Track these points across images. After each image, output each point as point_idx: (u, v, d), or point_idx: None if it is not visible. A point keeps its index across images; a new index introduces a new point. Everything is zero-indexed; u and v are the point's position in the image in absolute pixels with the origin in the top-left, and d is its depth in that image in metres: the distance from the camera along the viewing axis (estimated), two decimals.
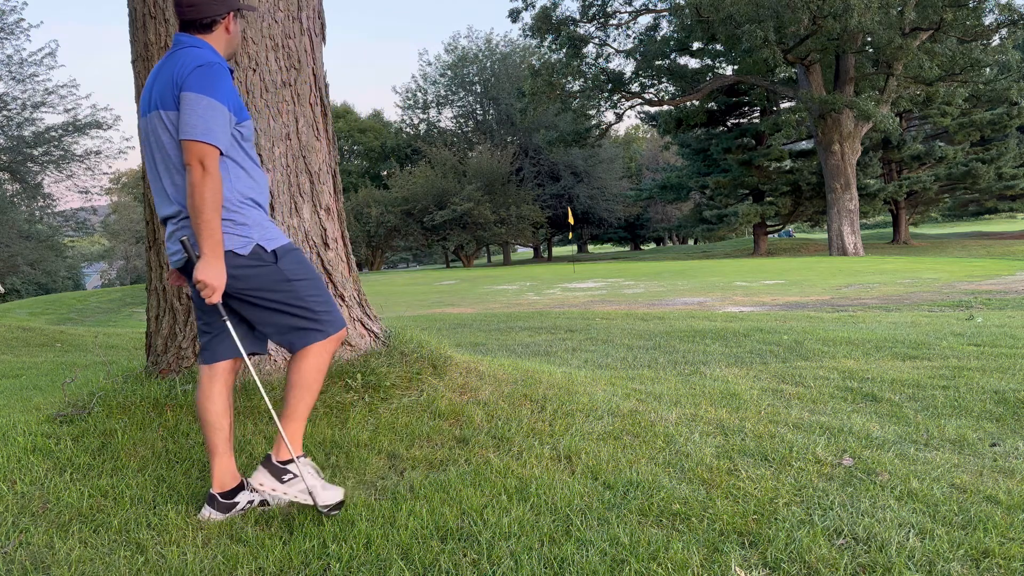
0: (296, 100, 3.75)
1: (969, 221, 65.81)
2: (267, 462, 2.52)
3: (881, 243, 38.92)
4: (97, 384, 3.79)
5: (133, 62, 3.77)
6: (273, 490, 2.48)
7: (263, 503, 2.64)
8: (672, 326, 7.61)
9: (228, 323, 2.45)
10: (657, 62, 36.19)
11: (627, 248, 63.38)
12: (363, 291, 4.14)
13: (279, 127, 3.68)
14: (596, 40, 34.63)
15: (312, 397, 2.57)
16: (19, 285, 37.37)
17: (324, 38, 4.04)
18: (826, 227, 34.62)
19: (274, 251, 2.47)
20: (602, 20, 33.96)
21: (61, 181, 24.00)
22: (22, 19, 22.67)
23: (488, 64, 48.38)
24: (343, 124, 53.25)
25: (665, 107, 38.23)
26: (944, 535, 2.31)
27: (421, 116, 52.44)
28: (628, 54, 36.00)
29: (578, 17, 33.32)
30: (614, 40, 44.06)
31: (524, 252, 67.90)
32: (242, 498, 2.62)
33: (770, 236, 42.41)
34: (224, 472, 2.56)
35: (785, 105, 37.40)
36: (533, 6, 32.74)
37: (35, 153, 23.03)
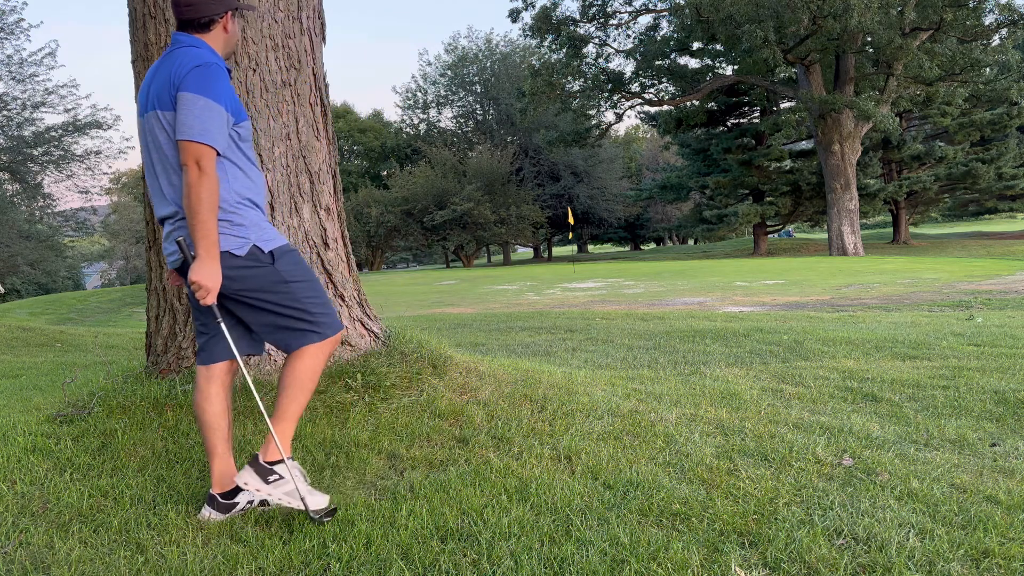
0: (296, 100, 3.75)
1: (969, 221, 65.81)
2: (254, 461, 2.48)
3: (881, 243, 38.92)
4: (97, 384, 3.79)
5: (133, 62, 3.77)
6: (257, 490, 2.43)
7: (263, 503, 2.64)
8: (672, 326, 7.61)
9: (222, 325, 2.44)
10: (657, 62, 36.18)
11: (627, 248, 63.37)
12: (363, 291, 4.14)
13: (279, 127, 3.68)
14: (596, 40, 34.64)
15: (305, 399, 2.55)
16: (19, 285, 37.38)
17: (324, 38, 4.04)
18: (826, 227, 34.62)
19: (271, 252, 2.46)
20: (602, 20, 33.96)
21: (61, 181, 24.01)
22: (22, 19, 22.70)
23: (488, 64, 48.38)
24: (343, 124, 53.25)
25: (665, 107, 38.23)
26: (944, 535, 2.31)
27: (421, 116, 52.48)
28: (628, 54, 36.00)
29: (578, 17, 33.32)
30: (614, 40, 44.09)
31: (524, 252, 67.90)
32: (242, 498, 2.62)
33: (770, 236, 42.41)
34: (224, 472, 2.56)
35: (785, 105, 37.40)
36: (533, 6, 32.74)
37: (35, 153, 23.03)
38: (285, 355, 2.62)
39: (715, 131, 40.14)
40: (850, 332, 6.51)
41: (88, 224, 31.20)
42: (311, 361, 2.54)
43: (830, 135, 30.39)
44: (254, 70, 3.60)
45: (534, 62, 35.14)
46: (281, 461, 2.47)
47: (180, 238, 2.36)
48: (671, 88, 37.54)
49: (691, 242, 60.47)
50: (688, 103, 36.50)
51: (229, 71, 2.45)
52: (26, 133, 22.74)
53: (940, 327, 6.92)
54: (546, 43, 33.97)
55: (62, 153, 23.20)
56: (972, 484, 2.73)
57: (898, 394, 4.17)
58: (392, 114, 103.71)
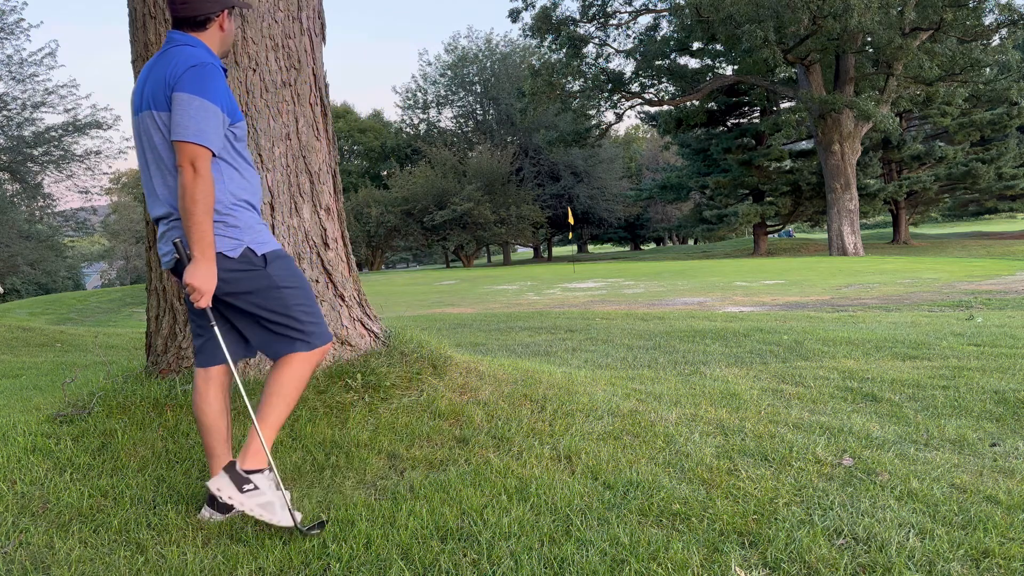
0: (296, 100, 3.75)
1: (969, 221, 65.81)
2: (230, 468, 2.41)
3: (881, 243, 38.92)
4: (97, 384, 3.79)
5: (133, 62, 3.77)
6: (230, 498, 2.35)
7: None
8: (672, 326, 7.61)
9: (216, 328, 2.42)
10: (657, 62, 36.18)
11: (627, 248, 63.37)
12: (363, 291, 4.14)
13: (279, 127, 3.68)
14: (596, 40, 34.64)
15: (287, 408, 2.50)
16: (19, 285, 37.38)
17: (324, 38, 4.04)
18: (826, 227, 34.62)
19: (264, 255, 2.44)
20: (602, 20, 33.96)
21: (61, 181, 23.98)
22: (22, 19, 22.65)
23: (488, 64, 48.38)
24: (343, 124, 53.26)
25: (665, 107, 38.23)
26: (944, 535, 2.31)
27: (421, 116, 52.48)
28: (628, 54, 35.99)
29: (578, 17, 33.32)
30: (614, 40, 44.10)
31: (524, 252, 67.90)
32: None
33: (770, 236, 42.41)
34: None
35: (785, 105, 37.40)
36: (533, 6, 32.74)
37: (35, 153, 23.01)
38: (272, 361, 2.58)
39: (715, 131, 40.14)
40: (850, 332, 6.51)
41: (88, 224, 31.17)
42: (298, 370, 2.50)
43: (830, 135, 30.39)
44: (254, 70, 3.60)
45: (534, 62, 35.13)
46: (260, 471, 2.41)
47: (177, 239, 2.34)
48: (671, 88, 37.54)
49: (691, 242, 60.47)
50: (688, 103, 36.50)
51: (225, 70, 2.43)
52: (26, 133, 22.72)
53: (940, 327, 6.92)
54: (546, 43, 33.97)
55: (62, 153, 23.18)
56: (972, 484, 2.74)
57: (898, 394, 4.17)
58: (392, 114, 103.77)
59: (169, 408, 3.38)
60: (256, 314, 2.46)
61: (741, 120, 40.90)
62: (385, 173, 52.50)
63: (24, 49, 48.47)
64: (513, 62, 47.00)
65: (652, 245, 65.89)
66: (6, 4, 25.89)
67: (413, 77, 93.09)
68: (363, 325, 3.99)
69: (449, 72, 49.73)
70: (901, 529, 2.35)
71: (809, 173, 36.54)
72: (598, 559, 2.18)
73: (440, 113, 51.91)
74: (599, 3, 33.40)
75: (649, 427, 3.42)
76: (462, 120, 51.07)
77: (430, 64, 63.90)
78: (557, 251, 66.34)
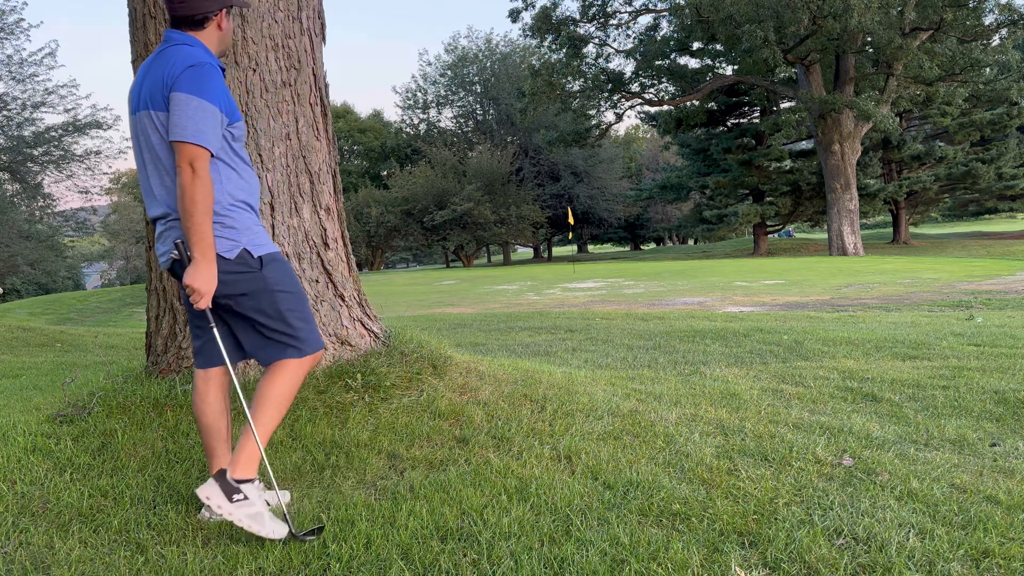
0: (296, 100, 3.75)
1: (969, 221, 65.81)
2: (220, 477, 2.35)
3: (881, 243, 38.92)
4: (97, 384, 3.79)
5: (133, 62, 3.77)
6: (219, 507, 2.30)
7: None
8: (672, 326, 7.61)
9: (215, 330, 2.41)
10: (657, 62, 36.18)
11: (627, 248, 63.38)
12: (363, 291, 4.14)
13: (279, 127, 3.68)
14: (596, 40, 34.64)
15: (279, 416, 2.48)
16: (19, 285, 37.37)
17: (324, 38, 4.04)
18: (826, 227, 34.62)
19: (260, 257, 2.42)
20: (602, 20, 33.96)
21: (61, 181, 23.98)
22: (22, 19, 22.67)
23: (488, 64, 48.38)
24: (343, 124, 53.25)
25: (665, 107, 38.23)
26: (944, 535, 2.31)
27: (421, 116, 52.49)
28: (628, 54, 36.00)
29: (578, 17, 33.32)
30: (614, 40, 44.13)
31: (524, 252, 67.90)
32: None
33: (770, 236, 42.41)
34: None
35: (785, 105, 37.40)
36: (533, 6, 32.74)
37: (35, 153, 23.01)
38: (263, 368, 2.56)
39: (715, 131, 40.14)
40: (850, 332, 6.51)
41: (88, 224, 31.16)
42: (289, 377, 2.47)
43: (830, 135, 30.39)
44: (254, 70, 3.60)
45: (534, 62, 35.13)
46: (250, 480, 2.39)
47: (179, 240, 2.32)
48: (671, 88, 37.54)
49: (691, 242, 60.47)
50: (688, 103, 36.50)
51: (223, 69, 2.42)
52: (26, 133, 22.73)
53: (940, 327, 6.92)
54: (546, 43, 33.97)
55: (62, 153, 23.18)
56: (972, 484, 2.74)
57: (898, 394, 4.17)
58: (392, 114, 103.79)
59: (169, 408, 3.38)
60: (250, 317, 2.44)
61: (741, 120, 40.90)
62: (385, 173, 52.51)
63: (24, 49, 48.48)
64: (513, 62, 47.00)
65: (652, 245, 65.90)
66: (6, 4, 25.91)
67: (413, 77, 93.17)
68: (363, 325, 3.99)
69: (449, 72, 49.73)
70: (901, 529, 2.36)
71: (809, 173, 36.54)
72: (598, 559, 2.18)
73: (440, 113, 51.96)
74: (599, 3, 33.40)
75: (649, 427, 3.42)
76: (462, 120, 51.08)
77: (430, 64, 63.97)
78: (557, 251, 66.35)
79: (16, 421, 3.38)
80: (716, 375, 4.78)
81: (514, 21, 33.72)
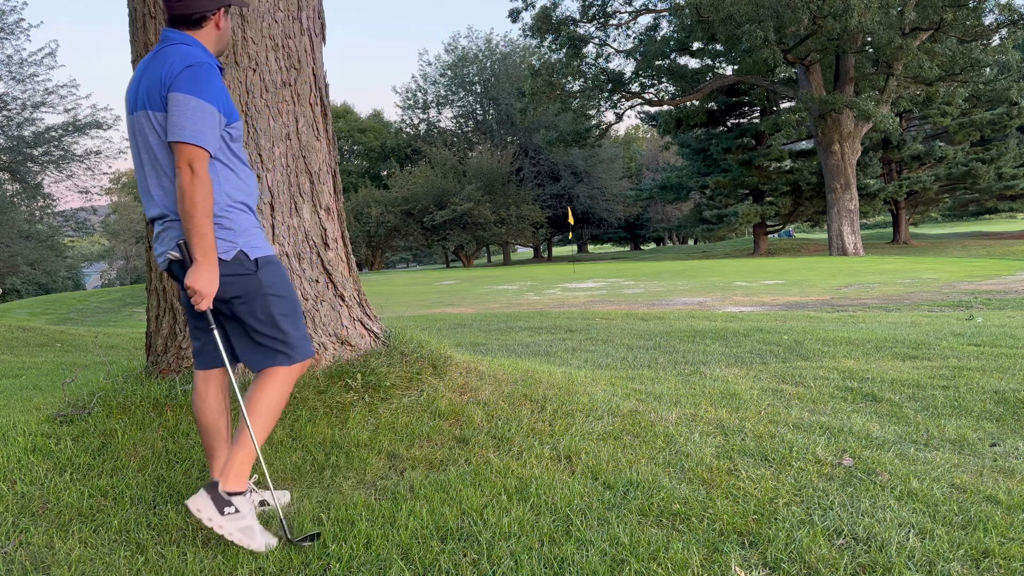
0: (296, 100, 3.75)
1: (969, 221, 65.81)
2: (212, 489, 2.32)
3: (881, 243, 38.92)
4: (97, 384, 3.79)
5: (133, 62, 3.77)
6: (209, 520, 2.27)
7: (263, 503, 2.64)
8: (672, 326, 7.61)
9: (216, 332, 2.39)
10: (657, 62, 36.18)
11: (627, 248, 63.38)
12: (363, 291, 4.14)
13: (279, 127, 3.68)
14: (596, 40, 34.64)
15: (270, 425, 2.44)
16: (19, 285, 37.37)
17: (324, 38, 4.04)
18: (826, 227, 34.62)
19: (256, 260, 2.39)
20: (602, 20, 33.97)
21: (61, 181, 23.97)
22: (22, 19, 22.65)
23: (488, 64, 48.38)
24: (343, 124, 53.25)
25: (665, 107, 38.23)
26: (944, 535, 2.31)
27: (421, 116, 52.49)
28: (628, 54, 36.00)
29: (578, 17, 33.32)
30: (614, 40, 44.15)
31: (524, 252, 67.90)
32: None
33: (770, 236, 42.41)
34: None
35: (785, 105, 37.40)
36: (533, 6, 32.74)
37: (35, 153, 23.00)
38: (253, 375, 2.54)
39: (715, 131, 40.14)
40: (850, 332, 6.51)
41: (88, 224, 31.15)
42: (279, 385, 2.44)
43: (830, 135, 30.39)
44: (254, 70, 3.60)
45: (534, 62, 35.14)
46: (241, 493, 2.35)
47: (182, 240, 2.30)
48: (671, 88, 37.54)
49: (691, 242, 60.48)
50: (688, 103, 36.50)
51: (221, 69, 2.39)
52: (26, 133, 22.72)
53: (940, 327, 6.92)
54: (546, 43, 33.97)
55: (62, 153, 23.17)
56: (972, 484, 2.74)
57: (898, 394, 4.17)
58: (392, 114, 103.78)
59: (169, 408, 3.38)
60: (243, 320, 2.40)
61: (741, 120, 40.90)
62: (385, 173, 52.51)
63: (24, 49, 48.48)
64: (513, 62, 47.00)
65: (652, 245, 65.90)
66: (6, 4, 25.91)
67: (413, 77, 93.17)
68: (363, 325, 3.99)
69: (449, 72, 49.74)
70: (901, 529, 2.36)
71: (809, 173, 36.54)
72: (598, 559, 2.18)
73: (440, 113, 51.96)
74: (599, 3, 33.40)
75: (649, 427, 3.42)
76: (462, 120, 51.08)
77: (430, 64, 63.97)
78: (557, 251, 66.35)
79: (16, 421, 3.38)
80: (716, 375, 4.78)
81: (514, 21, 33.74)
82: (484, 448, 3.12)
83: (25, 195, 24.48)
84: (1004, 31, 28.74)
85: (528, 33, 33.87)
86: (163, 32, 2.42)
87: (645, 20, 41.10)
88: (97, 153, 23.87)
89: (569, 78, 33.99)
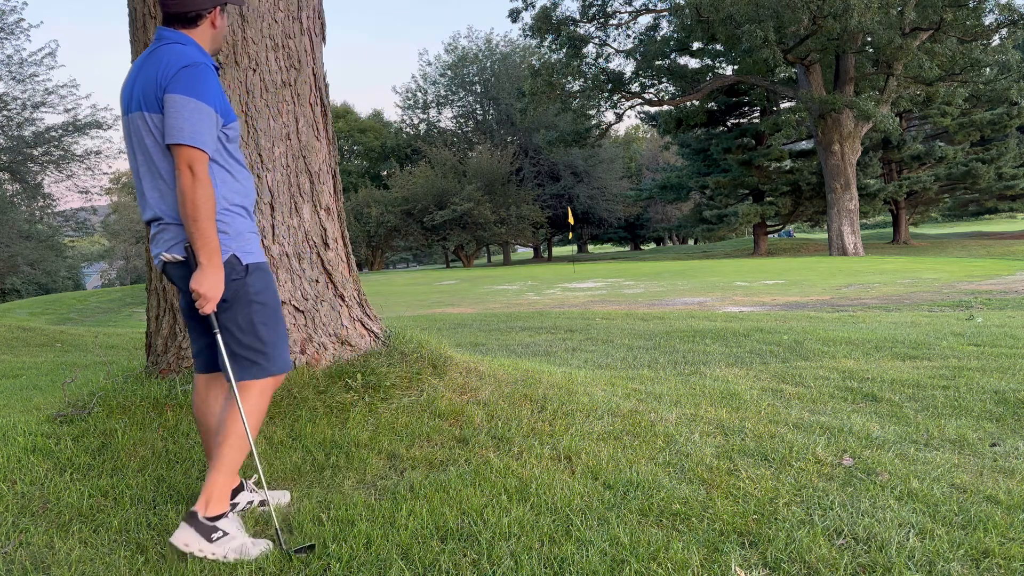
0: (296, 100, 3.75)
1: (969, 221, 65.81)
2: (192, 519, 2.24)
3: (881, 243, 38.93)
4: (97, 384, 3.79)
5: (133, 62, 3.77)
6: (200, 551, 2.21)
7: (263, 503, 2.64)
8: (672, 326, 7.61)
9: (219, 337, 2.34)
10: (657, 62, 36.19)
11: (627, 248, 63.38)
12: (363, 291, 4.15)
13: (279, 127, 3.68)
14: (596, 40, 34.65)
15: (247, 445, 2.37)
16: (19, 285, 37.35)
17: (324, 38, 4.04)
18: (826, 227, 34.62)
19: (247, 265, 2.35)
20: (602, 20, 33.97)
21: (61, 181, 23.98)
22: (22, 19, 22.67)
23: (488, 64, 48.39)
24: (343, 124, 53.25)
25: (665, 107, 38.24)
26: (944, 535, 2.31)
27: (421, 116, 52.49)
28: (628, 54, 36.00)
29: (578, 17, 33.32)
30: (614, 40, 44.13)
31: (524, 252, 67.90)
32: (241, 499, 2.62)
33: (770, 236, 42.41)
34: None
35: (785, 105, 37.40)
36: (533, 6, 32.75)
37: (35, 153, 23.01)
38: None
39: (715, 131, 40.15)
40: (850, 332, 6.51)
41: (88, 224, 31.15)
42: (254, 400, 2.38)
43: (830, 135, 30.39)
44: (254, 70, 3.60)
45: (534, 62, 35.14)
46: (223, 515, 2.29)
47: (186, 244, 2.26)
48: (671, 88, 37.55)
49: (691, 242, 60.48)
50: (688, 103, 36.50)
51: (217, 68, 2.36)
52: (26, 133, 22.72)
53: (940, 327, 6.92)
54: (546, 43, 33.97)
55: (62, 153, 23.18)
56: (972, 484, 2.74)
57: (898, 394, 4.17)
58: (392, 114, 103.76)
59: (169, 408, 3.38)
60: (225, 325, 2.35)
61: (741, 120, 40.90)
62: (385, 173, 52.51)
63: (24, 49, 48.51)
64: (513, 62, 47.00)
65: (652, 245, 65.91)
66: (6, 4, 25.93)
67: (413, 77, 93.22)
68: (363, 325, 3.99)
69: (449, 72, 49.74)
70: (901, 529, 2.36)
71: (809, 173, 36.54)
72: (598, 559, 2.18)
73: (440, 113, 51.97)
74: (599, 3, 33.41)
75: (649, 427, 3.42)
76: (462, 120, 51.09)
77: (430, 64, 64.01)
78: (557, 251, 66.34)
79: (16, 421, 3.38)
80: (716, 375, 4.78)
81: (514, 21, 33.75)
82: (484, 448, 3.12)
83: (25, 195, 24.48)
84: (1004, 31, 28.75)
85: (528, 33, 33.88)
86: (158, 31, 2.37)
87: (645, 20, 41.12)
88: (97, 153, 23.89)
89: (569, 78, 34.00)
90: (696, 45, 35.66)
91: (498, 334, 7.94)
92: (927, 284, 13.93)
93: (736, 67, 35.98)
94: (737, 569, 2.12)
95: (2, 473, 2.84)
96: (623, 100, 36.27)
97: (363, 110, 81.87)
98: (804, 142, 39.64)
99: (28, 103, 22.74)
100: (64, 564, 2.24)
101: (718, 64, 38.26)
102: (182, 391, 3.49)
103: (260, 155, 3.61)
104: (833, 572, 2.11)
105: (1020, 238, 37.25)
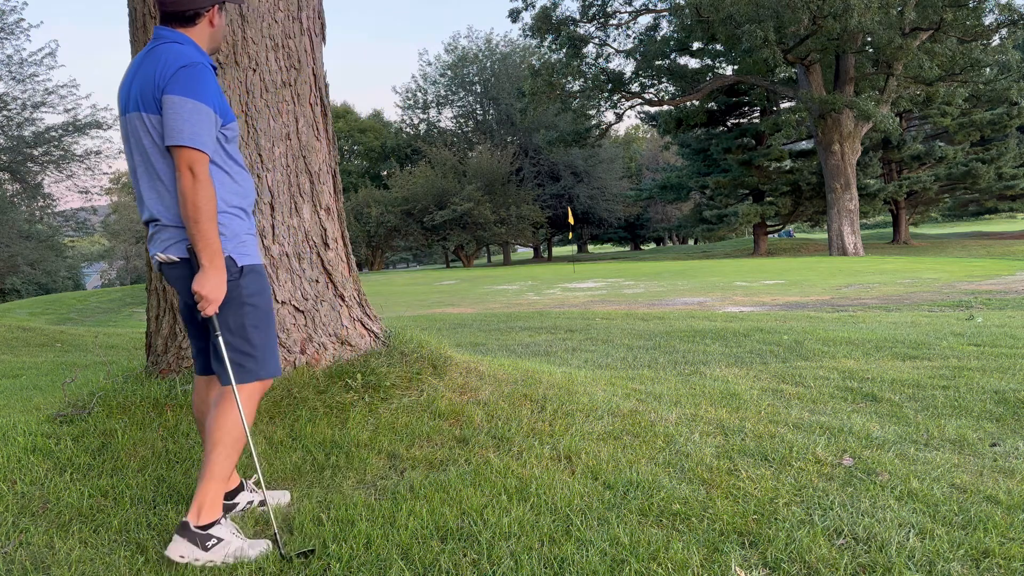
0: (296, 100, 3.75)
1: (969, 221, 65.81)
2: (184, 530, 2.22)
3: (881, 243, 38.92)
4: (97, 384, 3.79)
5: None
6: (197, 560, 2.19)
7: (262, 503, 2.64)
8: (672, 326, 7.61)
9: (220, 339, 2.32)
10: (657, 62, 36.19)
11: (627, 248, 63.38)
12: (363, 291, 4.15)
13: (279, 127, 3.68)
14: (596, 40, 34.65)
15: (238, 449, 2.34)
16: (19, 285, 37.34)
17: (324, 38, 4.04)
18: (826, 227, 34.62)
19: (242, 267, 2.33)
20: (602, 20, 33.97)
21: (61, 181, 23.98)
22: (22, 19, 22.67)
23: (488, 64, 48.39)
24: (343, 124, 53.25)
25: (665, 107, 38.24)
26: (944, 535, 2.31)
27: (421, 116, 52.50)
28: (628, 54, 36.01)
29: (578, 17, 33.32)
30: (614, 40, 44.13)
31: (524, 252, 67.90)
32: (241, 499, 2.62)
33: (770, 236, 42.41)
34: None
35: (785, 105, 37.40)
36: (533, 6, 32.75)
37: (35, 153, 23.01)
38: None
39: (715, 131, 40.15)
40: (850, 332, 6.51)
41: (88, 224, 31.15)
42: (244, 405, 2.35)
43: (830, 135, 30.39)
44: (254, 70, 3.60)
45: (534, 62, 35.14)
46: (216, 522, 2.27)
47: (189, 245, 2.24)
48: (671, 88, 37.55)
49: (691, 242, 60.48)
50: (688, 103, 36.50)
51: (215, 68, 2.34)
52: (26, 133, 22.72)
53: (940, 327, 6.92)
54: (546, 43, 33.97)
55: (62, 153, 23.17)
56: (972, 484, 2.73)
57: (898, 394, 4.17)
58: (392, 114, 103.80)
59: (169, 408, 3.38)
60: (216, 328, 2.32)
61: (741, 120, 40.90)
62: (385, 173, 52.51)
63: (24, 49, 48.50)
64: (513, 62, 47.00)
65: (652, 245, 65.91)
66: (6, 4, 25.93)
67: (413, 77, 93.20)
68: (363, 325, 3.99)
69: (449, 72, 49.74)
70: (901, 529, 2.35)
71: (809, 173, 36.54)
72: (598, 559, 2.18)
73: (440, 113, 51.97)
74: (599, 3, 33.41)
75: (649, 427, 3.42)
76: (462, 120, 51.08)
77: (430, 64, 63.99)
78: (557, 251, 66.34)
79: (16, 421, 3.38)
80: (716, 375, 4.78)
81: (514, 21, 33.75)
82: (484, 448, 3.12)
83: (25, 195, 24.48)
84: (1004, 31, 28.75)
85: (528, 33, 33.88)
86: (155, 30, 2.34)
87: (645, 20, 41.14)
88: (97, 153, 23.89)
89: (569, 78, 34.00)
90: (696, 45, 35.67)
91: (498, 334, 7.93)
92: (927, 284, 13.93)
93: (736, 67, 35.98)
94: (737, 569, 2.12)
95: (2, 473, 2.84)
96: (623, 100, 36.27)
97: (363, 110, 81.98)
98: (804, 142, 39.64)
99: (28, 103, 22.75)
100: (64, 564, 2.24)
101: (718, 64, 38.27)
102: (182, 391, 3.49)
103: (260, 155, 3.61)
104: (833, 572, 2.11)
105: (1020, 238, 37.25)
